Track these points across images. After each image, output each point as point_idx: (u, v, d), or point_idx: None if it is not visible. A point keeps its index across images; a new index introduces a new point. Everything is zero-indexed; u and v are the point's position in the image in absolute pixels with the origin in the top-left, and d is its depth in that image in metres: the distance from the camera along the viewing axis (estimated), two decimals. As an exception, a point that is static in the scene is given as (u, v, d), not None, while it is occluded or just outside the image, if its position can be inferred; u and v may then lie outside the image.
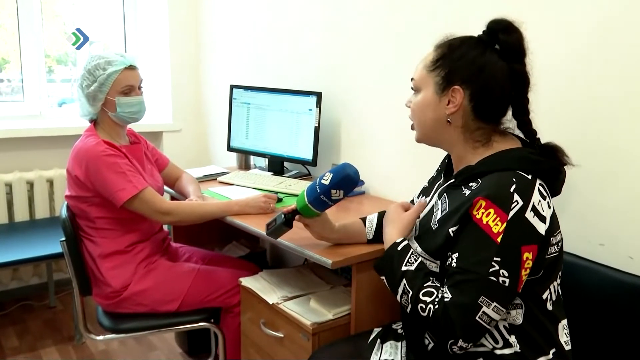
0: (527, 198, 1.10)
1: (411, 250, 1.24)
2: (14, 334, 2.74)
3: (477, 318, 1.09)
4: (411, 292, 1.17)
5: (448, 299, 1.11)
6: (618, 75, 1.43)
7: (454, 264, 1.14)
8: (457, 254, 1.14)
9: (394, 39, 2.08)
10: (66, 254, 1.89)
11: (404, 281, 1.19)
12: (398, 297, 1.22)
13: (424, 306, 1.14)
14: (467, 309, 1.09)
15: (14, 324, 2.84)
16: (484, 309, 1.09)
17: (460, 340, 1.10)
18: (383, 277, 1.28)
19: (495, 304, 1.09)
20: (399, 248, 1.25)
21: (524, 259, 1.09)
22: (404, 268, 1.20)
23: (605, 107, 1.46)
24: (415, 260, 1.21)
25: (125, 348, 2.62)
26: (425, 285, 1.17)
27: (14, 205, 2.91)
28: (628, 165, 1.43)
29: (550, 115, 1.57)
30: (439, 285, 1.17)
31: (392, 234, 1.31)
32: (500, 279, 1.09)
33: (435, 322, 1.12)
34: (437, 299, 1.13)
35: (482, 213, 1.10)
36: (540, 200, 1.12)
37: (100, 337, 1.96)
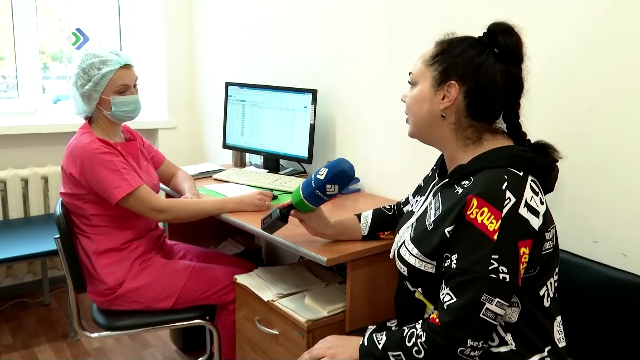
0: (519, 195, 1.11)
1: (371, 331, 1.26)
2: (8, 331, 2.73)
3: (481, 315, 1.10)
4: (401, 352, 1.17)
5: (452, 301, 1.12)
6: (614, 72, 1.43)
7: (453, 265, 1.14)
8: (455, 255, 1.14)
9: (389, 36, 2.08)
10: (60, 251, 1.88)
11: (390, 353, 1.18)
12: None
13: (416, 348, 1.14)
14: (471, 308, 1.10)
15: (8, 321, 2.84)
16: (487, 305, 1.09)
17: (469, 340, 1.10)
18: None
19: (497, 299, 1.10)
20: (366, 344, 1.24)
21: (521, 253, 1.11)
22: (380, 346, 1.20)
23: (600, 105, 1.47)
24: (383, 335, 1.22)
25: (120, 345, 2.62)
26: (404, 335, 1.18)
27: (8, 203, 2.90)
28: (622, 164, 1.44)
29: (544, 113, 1.58)
30: (431, 305, 1.21)
31: (349, 343, 1.28)
32: (501, 275, 1.09)
33: (433, 347, 1.13)
34: (419, 331, 1.15)
35: (476, 212, 1.11)
36: (532, 197, 1.13)
37: (95, 335, 1.96)
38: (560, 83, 1.55)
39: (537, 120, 1.57)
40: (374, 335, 1.24)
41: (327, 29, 2.36)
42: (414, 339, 1.15)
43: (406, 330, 1.18)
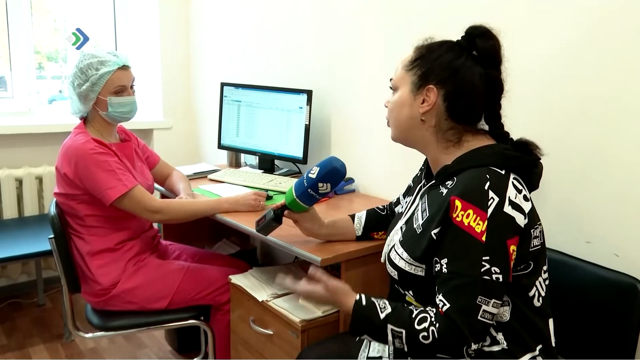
0: (502, 194, 1.12)
1: (374, 298, 1.21)
2: (2, 332, 2.72)
3: (479, 318, 1.10)
4: (404, 331, 1.14)
5: (447, 307, 1.10)
6: (608, 75, 1.44)
7: (444, 270, 1.13)
8: (445, 259, 1.13)
9: (384, 37, 2.09)
10: (55, 251, 1.88)
11: (390, 326, 1.16)
12: (390, 345, 1.18)
13: (425, 334, 1.12)
14: (469, 312, 1.09)
15: (2, 322, 2.83)
16: (484, 307, 1.10)
17: (472, 343, 1.10)
18: (365, 336, 1.23)
19: (493, 300, 1.10)
20: (364, 303, 1.20)
21: (511, 251, 1.11)
22: (382, 315, 1.17)
23: (593, 107, 1.48)
24: (386, 304, 1.19)
25: (115, 346, 2.62)
26: (413, 316, 1.15)
27: (2, 203, 2.89)
28: (615, 165, 1.44)
29: (537, 114, 1.59)
30: (421, 307, 1.17)
31: (345, 300, 1.24)
32: (494, 276, 1.10)
33: (444, 339, 1.10)
34: (433, 319, 1.12)
35: (462, 215, 1.11)
36: (516, 195, 1.14)
37: (90, 335, 1.95)
38: (555, 84, 1.55)
39: (530, 121, 1.58)
40: (373, 298, 1.21)
41: (323, 30, 2.37)
42: (425, 324, 1.12)
43: (415, 312, 1.15)
